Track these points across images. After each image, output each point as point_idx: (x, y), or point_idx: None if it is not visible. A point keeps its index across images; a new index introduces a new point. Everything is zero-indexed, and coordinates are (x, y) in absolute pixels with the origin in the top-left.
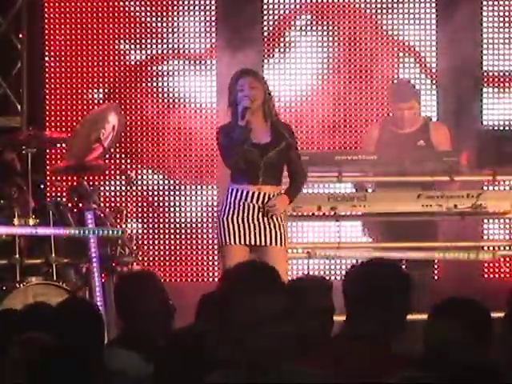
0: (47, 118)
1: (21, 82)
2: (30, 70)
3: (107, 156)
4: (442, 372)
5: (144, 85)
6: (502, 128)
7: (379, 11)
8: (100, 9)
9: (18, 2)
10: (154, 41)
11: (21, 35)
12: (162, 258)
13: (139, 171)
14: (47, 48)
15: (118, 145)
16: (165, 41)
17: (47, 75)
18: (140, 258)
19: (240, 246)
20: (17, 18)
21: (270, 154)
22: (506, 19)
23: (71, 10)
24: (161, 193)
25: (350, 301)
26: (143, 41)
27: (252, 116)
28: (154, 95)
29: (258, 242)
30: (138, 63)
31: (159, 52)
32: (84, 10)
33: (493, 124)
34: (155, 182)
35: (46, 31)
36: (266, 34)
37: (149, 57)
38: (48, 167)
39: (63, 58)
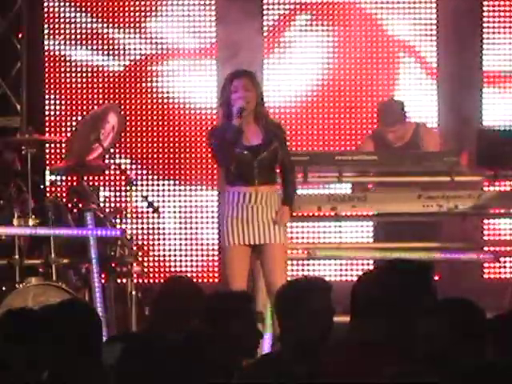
0: (47, 118)
1: (20, 82)
2: (29, 71)
3: (107, 156)
4: (442, 372)
5: (144, 85)
6: (502, 128)
7: (379, 11)
8: (100, 9)
9: (17, 2)
10: (153, 40)
11: (21, 35)
12: (161, 259)
13: (139, 171)
14: (47, 48)
15: (117, 145)
16: (164, 41)
17: (47, 75)
18: (140, 259)
19: (241, 246)
20: (17, 18)
21: (263, 155)
22: (507, 19)
23: (71, 10)
24: (161, 193)
25: (362, 305)
26: (143, 40)
27: (245, 118)
28: (154, 95)
29: (258, 241)
30: (138, 63)
31: (159, 52)
32: (83, 10)
33: (493, 124)
34: (155, 183)
35: (46, 31)
36: (265, 33)
37: (149, 57)
38: (48, 167)
39: (63, 58)
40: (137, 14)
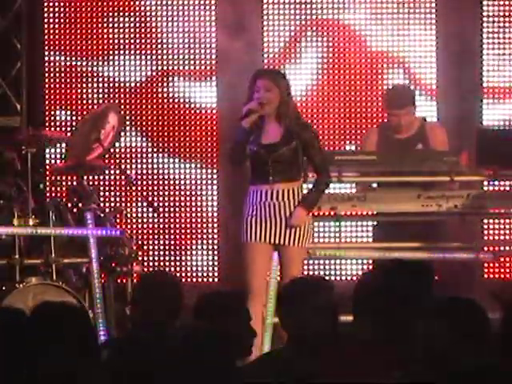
0: (47, 118)
1: (21, 82)
2: (29, 70)
3: (107, 156)
4: (442, 372)
5: (144, 85)
6: (502, 128)
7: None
8: (100, 8)
9: (17, 2)
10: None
11: (21, 35)
12: (162, 258)
13: (139, 171)
14: (47, 48)
15: (118, 144)
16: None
17: (47, 75)
18: (140, 258)
19: (261, 244)
20: (17, 18)
21: (278, 152)
22: (507, 23)
23: (71, 10)
24: (161, 193)
25: (362, 305)
26: (143, 40)
27: (268, 116)
28: (154, 95)
29: (277, 241)
30: (138, 63)
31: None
32: (84, 10)
33: (493, 124)
34: (155, 183)
35: (46, 31)
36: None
37: (149, 62)
38: (48, 167)
39: (63, 58)
40: (137, 13)
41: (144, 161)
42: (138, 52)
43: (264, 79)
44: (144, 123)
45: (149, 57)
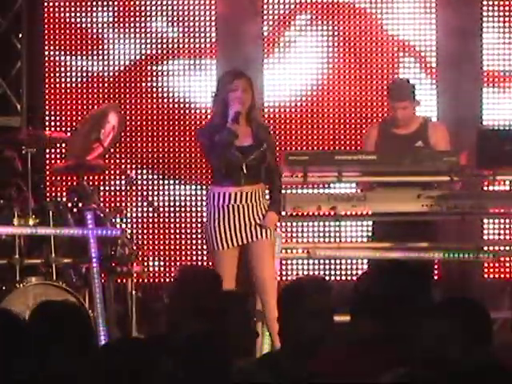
0: (47, 118)
1: (21, 82)
2: (29, 70)
3: (107, 156)
4: (442, 372)
5: (144, 84)
6: (502, 128)
7: (379, 10)
8: (99, 8)
9: (17, 2)
10: (153, 40)
11: (21, 35)
12: (162, 258)
13: (139, 171)
14: (47, 48)
15: (117, 145)
16: (165, 40)
17: (47, 75)
18: (140, 258)
19: (228, 249)
20: (17, 18)
21: (252, 156)
22: (506, 19)
23: (71, 10)
24: (161, 193)
25: (361, 305)
26: (143, 40)
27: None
28: (154, 95)
29: (244, 240)
30: (138, 63)
31: (159, 51)
32: (83, 9)
33: (493, 124)
34: (155, 182)
35: (46, 31)
36: (265, 33)
37: (149, 56)
38: (48, 167)
39: (63, 58)
40: (137, 13)
41: (144, 161)
42: (137, 50)
43: (241, 80)
44: (145, 123)
45: (149, 57)
